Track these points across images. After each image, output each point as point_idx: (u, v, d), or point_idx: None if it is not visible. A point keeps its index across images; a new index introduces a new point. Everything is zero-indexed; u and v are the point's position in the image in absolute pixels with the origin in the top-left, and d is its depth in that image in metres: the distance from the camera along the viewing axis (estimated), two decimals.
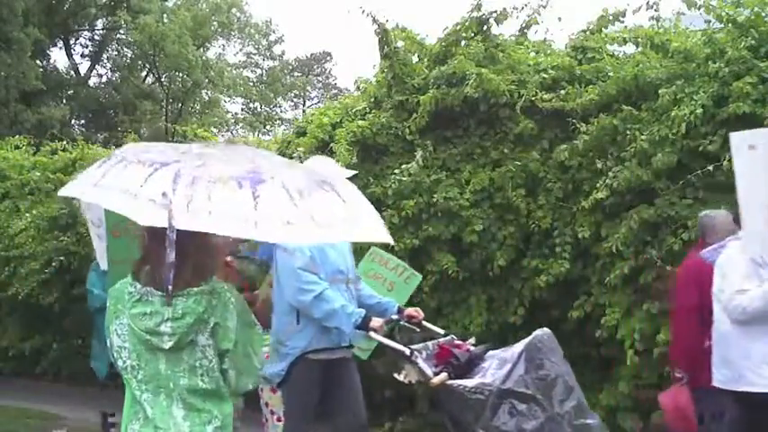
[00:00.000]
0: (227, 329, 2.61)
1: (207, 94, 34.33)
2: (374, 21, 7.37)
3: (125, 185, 2.33)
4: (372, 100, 7.84)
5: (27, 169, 11.55)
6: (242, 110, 40.68)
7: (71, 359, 11.17)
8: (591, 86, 6.64)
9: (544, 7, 7.39)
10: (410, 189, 6.87)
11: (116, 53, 32.86)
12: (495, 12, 7.24)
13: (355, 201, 2.50)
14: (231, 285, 2.74)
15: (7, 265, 10.49)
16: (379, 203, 7.11)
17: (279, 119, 40.17)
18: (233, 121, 38.22)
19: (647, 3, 6.67)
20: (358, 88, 8.80)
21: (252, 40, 39.34)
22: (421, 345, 4.44)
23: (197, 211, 2.22)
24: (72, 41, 32.27)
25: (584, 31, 7.38)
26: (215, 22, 33.79)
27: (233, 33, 37.17)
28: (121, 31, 30.92)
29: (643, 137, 5.94)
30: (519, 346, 4.22)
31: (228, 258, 4.85)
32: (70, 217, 10.23)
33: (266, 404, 5.30)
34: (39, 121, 25.17)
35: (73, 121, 30.38)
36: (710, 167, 5.55)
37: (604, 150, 6.32)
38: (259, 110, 40.68)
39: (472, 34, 7.38)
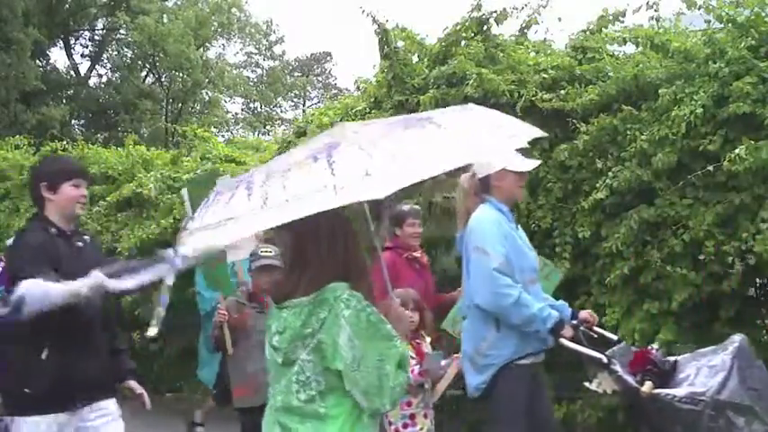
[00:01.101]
0: (337, 347, 2.33)
1: (207, 94, 34.34)
2: (374, 21, 7.37)
3: (210, 219, 2.27)
4: (372, 100, 7.84)
5: (27, 169, 11.56)
6: (242, 110, 40.75)
7: None
8: (591, 86, 6.64)
9: (544, 7, 7.39)
10: (410, 189, 6.86)
11: (116, 53, 32.88)
12: (495, 12, 7.24)
13: (462, 123, 2.23)
14: (355, 295, 2.41)
15: None
16: (379, 203, 7.11)
17: (279, 119, 40.20)
18: (233, 121, 38.26)
19: (647, 3, 6.67)
20: (358, 88, 8.81)
21: (252, 40, 39.36)
22: (610, 351, 4.10)
23: (273, 205, 2.10)
24: (72, 41, 32.31)
25: (584, 31, 7.38)
26: (215, 22, 33.79)
27: (233, 33, 37.18)
28: (121, 31, 30.94)
29: (643, 137, 5.94)
30: (727, 354, 3.81)
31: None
32: None
33: (384, 415, 5.12)
34: (39, 121, 25.20)
35: (73, 122, 30.41)
36: (710, 167, 5.55)
37: (604, 150, 6.32)
38: (259, 110, 40.71)
39: (472, 34, 7.38)
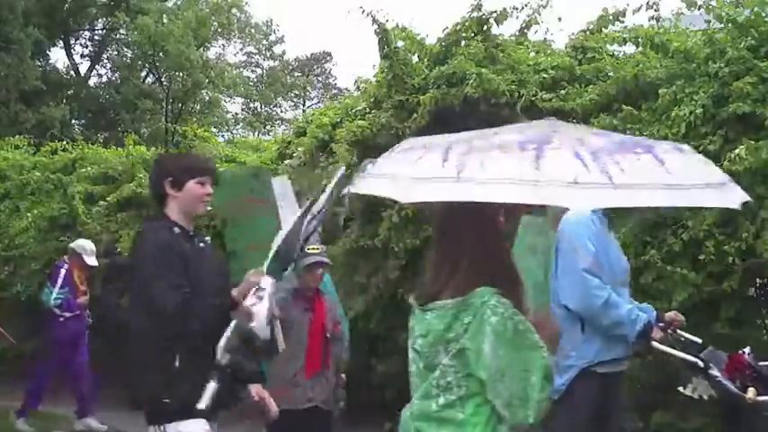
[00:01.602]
0: (481, 354, 2.20)
1: (207, 94, 34.32)
2: (374, 21, 7.37)
3: (394, 170, 2.15)
4: (372, 100, 7.84)
5: (27, 169, 11.57)
6: (242, 110, 40.70)
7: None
8: (591, 86, 6.64)
9: (544, 7, 7.40)
10: None
11: (116, 53, 32.86)
12: (495, 12, 7.24)
13: (683, 167, 1.99)
14: (503, 302, 2.25)
15: (7, 266, 10.51)
16: (379, 203, 7.12)
17: (279, 119, 40.20)
18: (233, 121, 38.22)
19: (647, 3, 6.67)
20: (358, 88, 8.81)
21: (252, 41, 39.35)
22: (705, 354, 3.93)
23: (467, 179, 1.96)
24: (72, 41, 32.28)
25: (584, 31, 7.38)
26: (215, 23, 33.79)
27: (233, 33, 37.17)
28: (121, 31, 30.93)
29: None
30: None
31: None
32: (70, 217, 10.26)
33: None
34: (39, 121, 25.16)
35: (73, 121, 30.37)
36: None
37: None
38: (259, 110, 40.69)
39: (472, 34, 7.38)
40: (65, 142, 12.27)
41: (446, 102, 7.00)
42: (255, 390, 3.84)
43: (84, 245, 8.21)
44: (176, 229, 3.42)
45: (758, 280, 6.05)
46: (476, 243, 2.31)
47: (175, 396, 3.29)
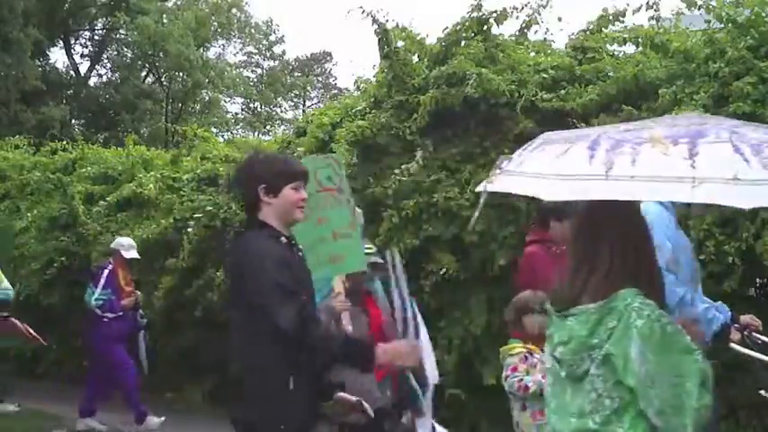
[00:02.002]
0: (628, 360, 2.07)
1: (207, 94, 34.33)
2: (374, 21, 7.37)
3: (536, 166, 2.05)
4: (372, 100, 7.84)
5: (27, 169, 11.58)
6: (242, 110, 40.71)
7: (71, 359, 11.18)
8: (591, 86, 6.64)
9: (544, 7, 7.39)
10: (410, 189, 6.87)
11: (116, 53, 32.87)
12: (495, 12, 7.24)
13: None
14: (648, 303, 2.12)
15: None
16: (379, 203, 7.12)
17: (279, 119, 40.18)
18: (233, 121, 38.23)
19: (647, 3, 6.67)
20: (358, 88, 8.81)
21: (252, 41, 39.35)
22: None
23: (618, 178, 1.86)
24: (72, 41, 32.29)
25: (584, 31, 7.38)
26: (215, 23, 33.80)
27: (233, 33, 37.18)
28: (121, 31, 30.93)
29: None
30: None
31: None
32: (70, 217, 10.26)
33: (516, 424, 4.59)
34: (39, 121, 25.18)
35: (73, 121, 30.37)
36: None
37: None
38: (259, 110, 40.69)
39: (472, 34, 7.38)
40: (65, 142, 12.27)
41: (446, 102, 7.00)
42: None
43: (122, 241, 8.09)
44: (282, 239, 3.16)
45: (758, 280, 6.05)
46: (619, 243, 2.19)
47: (292, 421, 3.03)
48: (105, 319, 7.64)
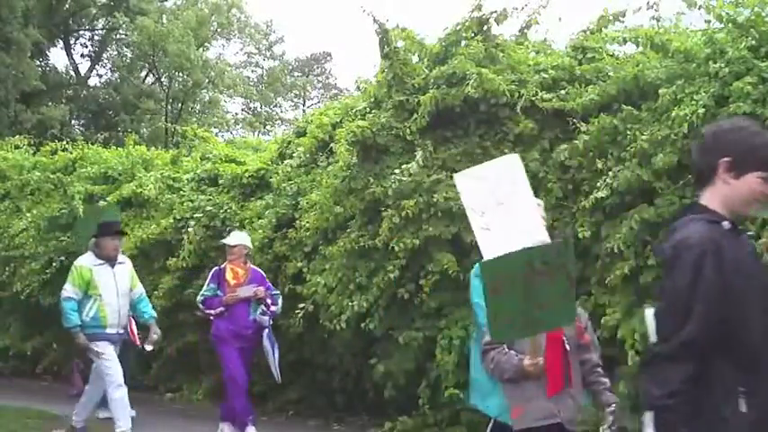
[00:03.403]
0: None
1: (207, 94, 34.35)
2: (374, 21, 7.37)
3: None
4: (372, 100, 7.84)
5: (27, 169, 11.56)
6: (242, 110, 40.75)
7: (71, 359, 11.18)
8: (591, 86, 6.64)
9: (544, 7, 7.40)
10: (410, 189, 6.86)
11: (116, 53, 32.88)
12: (496, 12, 7.25)
13: None
14: None
15: (8, 265, 10.51)
16: (379, 203, 7.12)
17: (279, 119, 40.21)
18: (233, 121, 38.24)
19: (647, 3, 6.68)
20: (358, 88, 8.81)
21: (252, 41, 39.36)
22: None
23: None
24: (72, 41, 32.30)
25: (584, 31, 7.38)
26: (215, 23, 33.81)
27: (233, 33, 37.19)
28: (121, 31, 30.94)
29: (643, 137, 5.94)
30: None
31: None
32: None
33: None
34: (39, 122, 25.20)
35: (73, 122, 30.40)
36: None
37: (604, 150, 6.32)
38: (259, 110, 40.70)
39: (472, 34, 7.38)
40: (65, 142, 12.25)
41: (446, 102, 7.00)
42: None
43: (229, 235, 7.68)
44: (725, 224, 2.49)
45: None
46: None
47: None
48: (211, 317, 7.36)
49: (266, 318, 7.29)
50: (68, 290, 6.92)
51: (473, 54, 7.25)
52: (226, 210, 8.84)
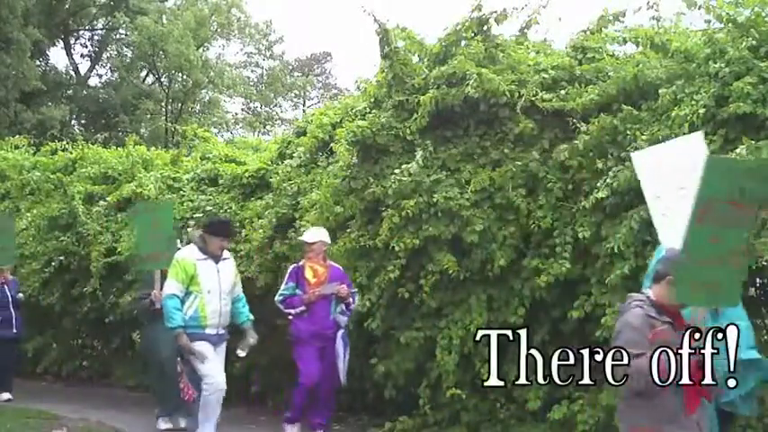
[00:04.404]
0: None
1: (207, 94, 34.36)
2: (375, 20, 7.37)
3: None
4: (372, 100, 7.84)
5: (27, 169, 11.56)
6: (242, 110, 40.76)
7: (71, 359, 11.18)
8: (591, 86, 6.64)
9: (544, 7, 7.40)
10: (410, 189, 6.86)
11: (116, 53, 32.89)
12: (496, 12, 7.24)
13: None
14: None
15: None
16: (379, 203, 7.12)
17: (279, 119, 40.23)
18: (233, 121, 38.25)
19: (647, 3, 6.67)
20: (358, 88, 8.81)
21: (252, 41, 39.36)
22: None
23: None
24: (72, 41, 32.31)
25: (584, 31, 7.38)
26: (215, 23, 33.82)
27: (233, 33, 37.20)
28: (121, 31, 30.96)
29: (643, 137, 5.94)
30: None
31: None
32: (70, 217, 10.26)
33: None
34: (39, 121, 25.22)
35: (73, 122, 30.41)
36: None
37: (604, 150, 6.32)
38: (259, 110, 40.71)
39: (472, 34, 7.38)
40: (65, 142, 12.25)
41: (446, 102, 7.00)
42: None
43: (306, 232, 7.26)
44: None
45: (758, 280, 6.06)
46: None
47: None
48: (290, 317, 7.03)
49: (345, 318, 7.02)
50: (171, 286, 6.41)
51: (473, 54, 7.25)
52: (226, 210, 8.84)
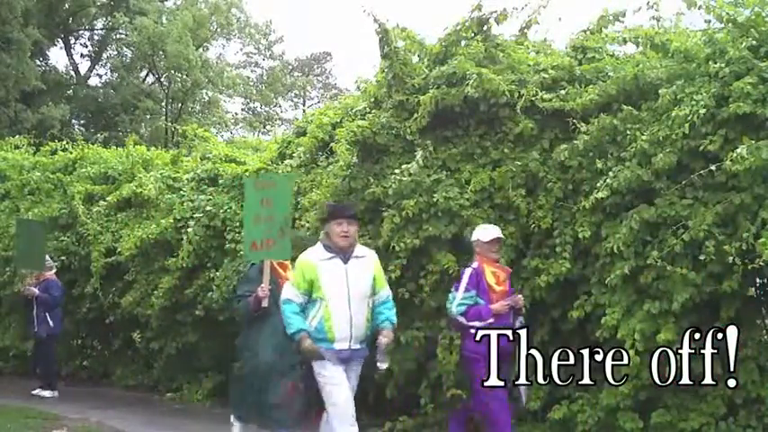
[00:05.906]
0: None
1: (207, 94, 34.35)
2: (375, 20, 7.37)
3: None
4: (372, 100, 7.84)
5: (27, 169, 11.56)
6: (242, 110, 40.76)
7: (71, 359, 11.18)
8: (591, 86, 6.64)
9: (544, 7, 7.40)
10: (410, 189, 6.86)
11: (116, 53, 32.90)
12: (496, 12, 7.24)
13: None
14: None
15: (8, 265, 10.51)
16: (379, 203, 7.12)
17: (279, 119, 40.24)
18: (233, 121, 38.26)
19: (647, 3, 6.67)
20: (358, 88, 8.81)
21: (252, 40, 39.38)
22: None
23: None
24: (72, 41, 32.32)
25: (584, 31, 7.38)
26: (214, 23, 33.83)
27: (233, 33, 37.21)
28: (121, 31, 30.96)
29: (643, 137, 5.95)
30: None
31: None
32: (70, 217, 10.26)
33: None
34: (39, 121, 25.21)
35: (73, 121, 30.40)
36: (713, 167, 5.55)
37: (604, 150, 6.32)
38: (259, 110, 40.72)
39: (472, 34, 7.38)
40: (65, 142, 12.25)
41: (446, 102, 7.00)
42: None
43: (479, 228, 6.15)
44: None
45: (758, 280, 6.06)
46: None
47: None
48: (471, 330, 5.72)
49: (523, 327, 5.89)
50: (287, 291, 5.32)
51: (473, 54, 7.25)
52: (226, 210, 8.84)
